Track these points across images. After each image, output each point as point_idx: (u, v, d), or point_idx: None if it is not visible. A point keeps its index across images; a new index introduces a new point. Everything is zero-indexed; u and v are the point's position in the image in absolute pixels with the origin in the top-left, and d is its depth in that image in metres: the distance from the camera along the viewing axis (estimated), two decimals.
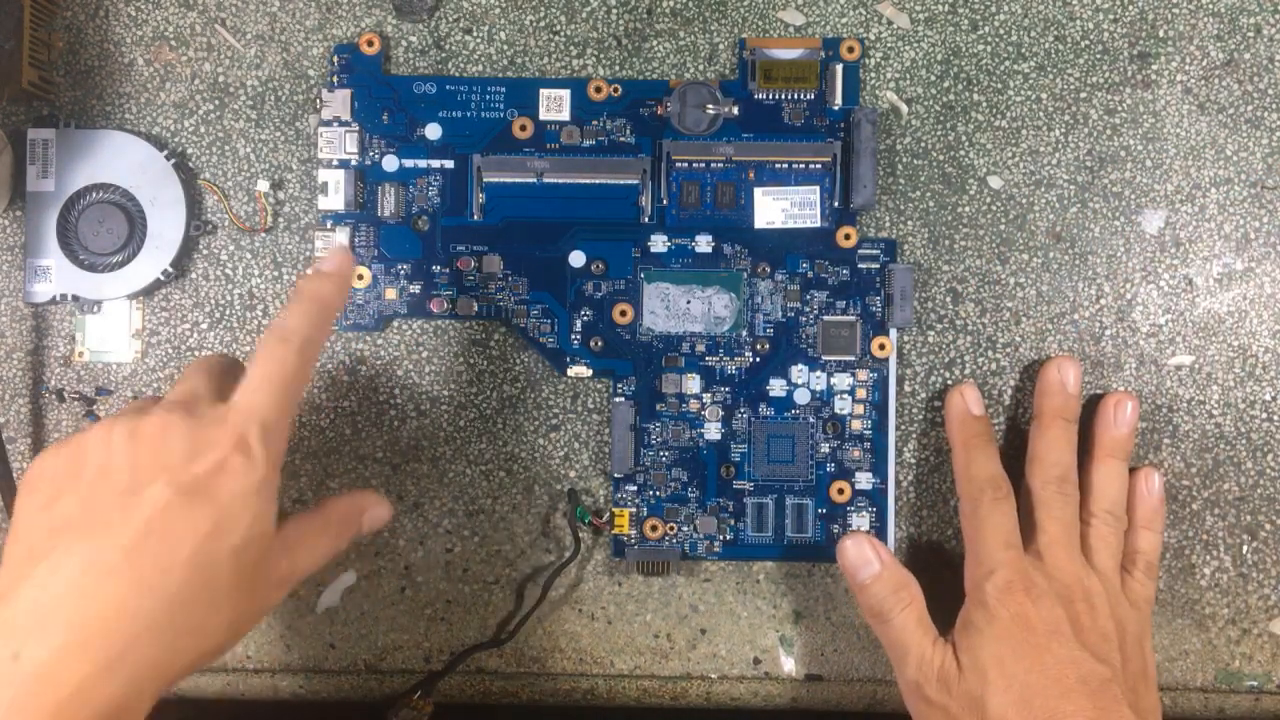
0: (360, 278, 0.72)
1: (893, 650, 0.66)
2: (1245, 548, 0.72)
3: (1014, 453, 0.71)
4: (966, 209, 0.72)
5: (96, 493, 0.53)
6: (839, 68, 0.71)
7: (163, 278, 0.71)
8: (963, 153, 0.72)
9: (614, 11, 0.73)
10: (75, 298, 0.71)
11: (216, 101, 0.72)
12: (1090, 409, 0.71)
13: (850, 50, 0.71)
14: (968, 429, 0.70)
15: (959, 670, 0.62)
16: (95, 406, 0.72)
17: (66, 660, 0.49)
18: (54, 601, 0.50)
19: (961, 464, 0.69)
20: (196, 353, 0.72)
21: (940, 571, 0.71)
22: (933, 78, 0.72)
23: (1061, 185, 0.72)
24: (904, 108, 0.72)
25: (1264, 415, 0.72)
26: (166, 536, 0.52)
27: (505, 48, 0.72)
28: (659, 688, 0.73)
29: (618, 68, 0.72)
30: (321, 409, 0.73)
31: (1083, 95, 0.72)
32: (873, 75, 0.72)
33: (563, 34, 0.73)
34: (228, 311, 0.72)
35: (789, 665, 0.73)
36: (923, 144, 0.72)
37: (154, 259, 0.71)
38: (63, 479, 0.54)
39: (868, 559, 0.66)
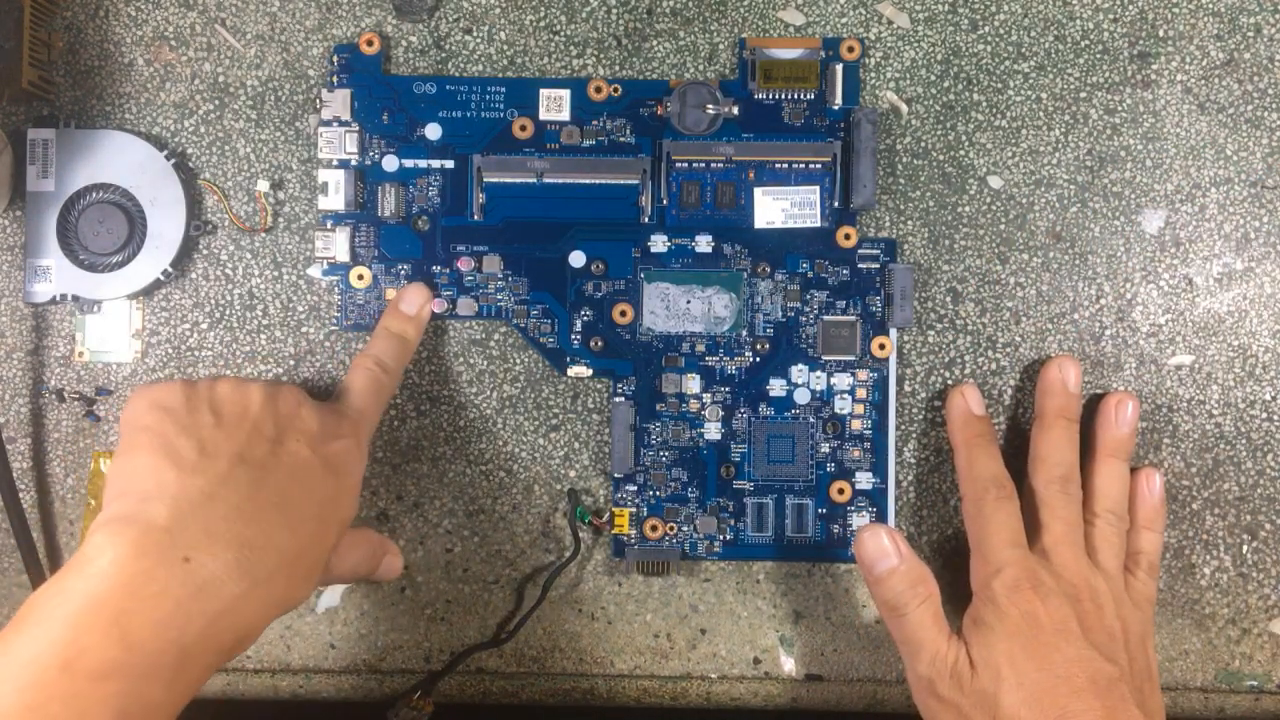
0: (360, 278, 0.72)
1: (905, 645, 0.65)
2: (1245, 548, 0.72)
3: (1015, 452, 0.72)
4: (966, 209, 0.72)
5: (243, 432, 0.59)
6: (839, 68, 0.71)
7: (163, 278, 0.71)
8: (963, 153, 0.72)
9: (614, 11, 0.73)
10: (75, 298, 0.71)
11: (216, 101, 0.72)
12: (1091, 409, 0.71)
13: (850, 50, 0.71)
14: (970, 429, 0.70)
15: (972, 668, 0.62)
16: (95, 406, 0.72)
17: (228, 576, 0.53)
18: (221, 519, 0.54)
19: (964, 464, 0.69)
20: (196, 353, 0.72)
21: (940, 571, 0.72)
22: (933, 78, 0.72)
23: (1061, 185, 0.72)
24: (904, 108, 0.72)
25: (1264, 415, 0.72)
26: (308, 489, 0.59)
27: (505, 48, 0.73)
28: (659, 688, 0.73)
29: (618, 68, 0.72)
30: None
31: (1083, 95, 0.72)
32: (873, 75, 0.72)
33: (563, 34, 0.73)
34: (228, 311, 0.72)
35: (789, 665, 0.73)
36: (923, 144, 0.72)
37: (154, 259, 0.71)
38: (201, 410, 0.60)
39: (885, 551, 0.65)
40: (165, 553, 0.52)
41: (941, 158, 0.72)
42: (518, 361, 0.73)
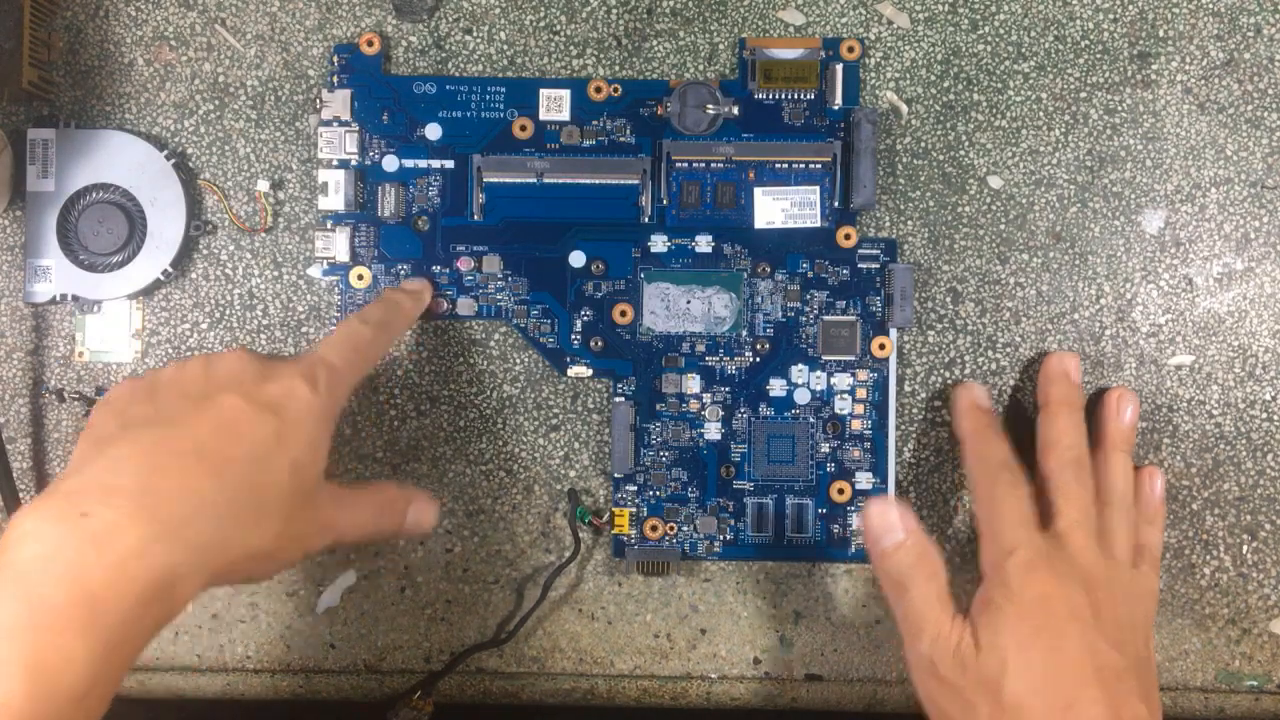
0: (360, 278, 0.72)
1: (906, 624, 0.64)
2: (1245, 548, 0.72)
3: (1017, 453, 0.71)
4: (966, 209, 0.72)
5: (169, 399, 0.59)
6: (839, 68, 0.71)
7: (163, 278, 0.71)
8: (963, 153, 0.72)
9: (614, 11, 0.73)
10: (75, 298, 0.71)
11: (216, 101, 0.72)
12: (1091, 405, 0.71)
13: (850, 50, 0.71)
14: (977, 418, 0.69)
15: (976, 649, 0.61)
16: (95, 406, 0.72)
17: (130, 522, 0.52)
18: (122, 472, 0.54)
19: (974, 450, 0.69)
20: (196, 353, 0.72)
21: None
22: (933, 78, 0.72)
23: (1061, 185, 0.72)
24: (904, 108, 0.72)
25: (1264, 415, 0.72)
26: (233, 433, 0.57)
27: (505, 48, 0.73)
28: (659, 688, 0.73)
29: (618, 68, 0.72)
30: None
31: (1083, 95, 0.72)
32: (873, 75, 0.72)
33: (563, 34, 0.73)
34: (228, 311, 0.72)
35: (789, 665, 0.73)
36: (923, 144, 0.72)
37: (154, 259, 0.71)
38: (138, 394, 0.60)
39: (891, 525, 0.64)
40: (64, 512, 0.52)
41: (941, 158, 0.72)
42: (518, 361, 0.73)
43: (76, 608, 0.50)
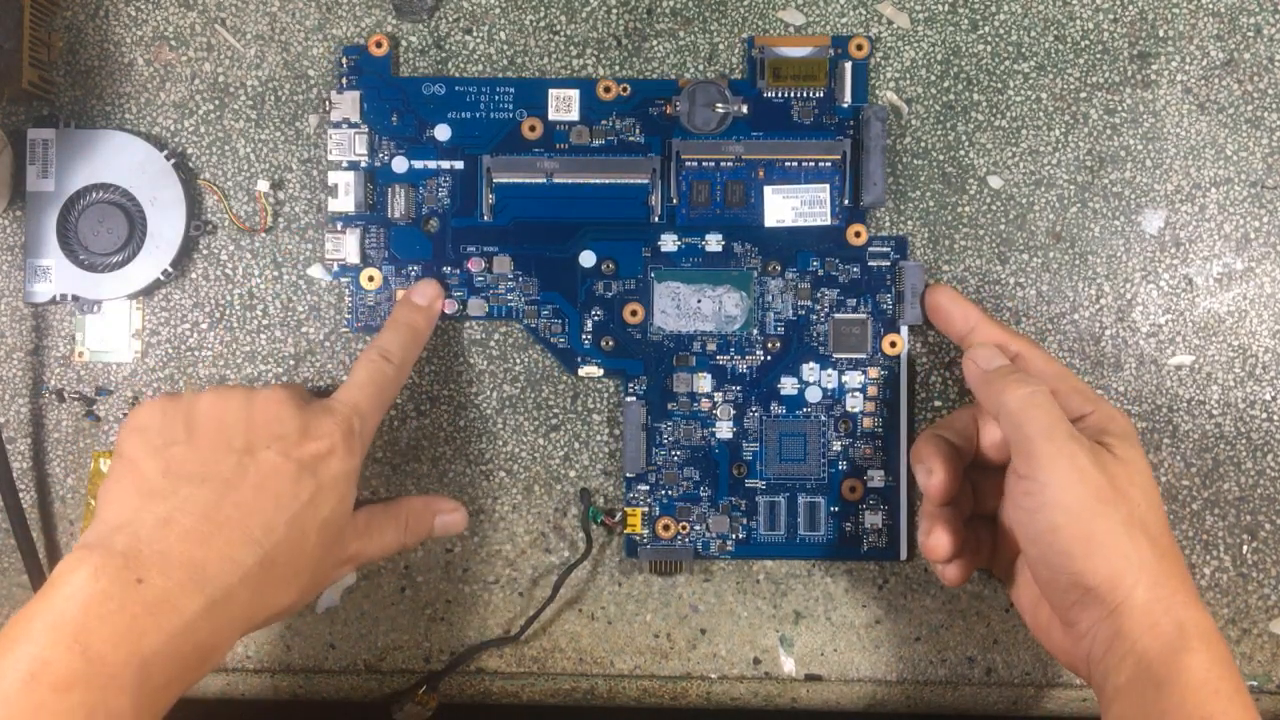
0: (371, 280, 0.71)
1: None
2: (1245, 548, 0.73)
3: None
4: (966, 209, 0.72)
5: (212, 446, 0.59)
6: (848, 65, 0.72)
7: (163, 278, 0.71)
8: (963, 153, 0.72)
9: (614, 11, 0.73)
10: (75, 298, 0.71)
11: (216, 101, 0.72)
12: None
13: (859, 48, 0.72)
14: (990, 357, 0.66)
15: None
16: (95, 406, 0.72)
17: (182, 593, 0.54)
18: (176, 541, 0.55)
19: (1004, 378, 0.64)
20: (196, 353, 0.72)
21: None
22: (933, 78, 0.73)
23: (1061, 185, 0.72)
24: (904, 107, 0.72)
25: (1264, 415, 0.72)
26: (274, 496, 0.58)
27: (505, 48, 0.72)
28: (659, 688, 0.73)
29: (618, 67, 0.72)
30: None
31: (1083, 95, 0.72)
32: (873, 75, 0.72)
33: (563, 34, 0.73)
34: (228, 311, 0.72)
35: (789, 665, 0.73)
36: (923, 144, 0.72)
37: (154, 259, 0.71)
38: (175, 428, 0.60)
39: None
40: (120, 575, 0.53)
41: (941, 158, 0.72)
42: (518, 361, 0.73)
43: (129, 668, 0.52)
